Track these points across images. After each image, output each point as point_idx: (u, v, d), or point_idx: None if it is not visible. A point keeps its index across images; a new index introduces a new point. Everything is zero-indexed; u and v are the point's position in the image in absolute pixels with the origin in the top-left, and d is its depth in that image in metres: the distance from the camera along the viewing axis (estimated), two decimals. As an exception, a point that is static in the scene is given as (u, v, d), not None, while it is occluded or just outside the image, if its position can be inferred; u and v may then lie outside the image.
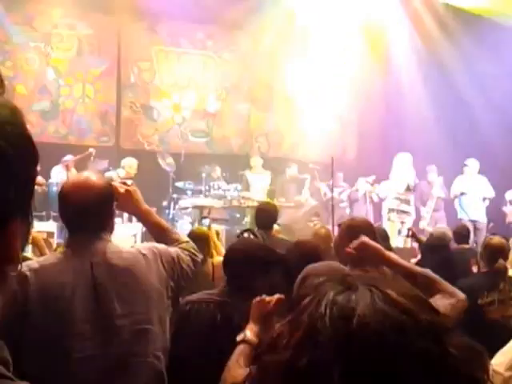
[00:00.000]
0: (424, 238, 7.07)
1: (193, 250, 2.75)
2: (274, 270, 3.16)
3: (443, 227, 8.10)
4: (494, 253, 4.87)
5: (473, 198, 11.00)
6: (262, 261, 3.08)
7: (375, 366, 0.79)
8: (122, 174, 9.78)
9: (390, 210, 10.89)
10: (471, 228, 9.83)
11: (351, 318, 0.82)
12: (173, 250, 2.68)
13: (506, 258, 4.98)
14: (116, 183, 2.79)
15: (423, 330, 0.83)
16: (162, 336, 2.52)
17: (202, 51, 12.85)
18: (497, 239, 5.10)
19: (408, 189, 10.92)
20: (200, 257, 2.79)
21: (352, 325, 0.81)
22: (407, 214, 10.86)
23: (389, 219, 10.77)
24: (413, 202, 11.20)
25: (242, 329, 2.85)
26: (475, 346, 0.86)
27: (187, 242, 2.80)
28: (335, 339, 0.81)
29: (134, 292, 2.46)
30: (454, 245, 6.87)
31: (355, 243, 2.72)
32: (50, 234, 8.24)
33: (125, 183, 2.78)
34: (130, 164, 9.94)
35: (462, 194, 11.00)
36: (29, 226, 0.83)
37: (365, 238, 2.74)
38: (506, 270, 4.77)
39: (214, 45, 12.98)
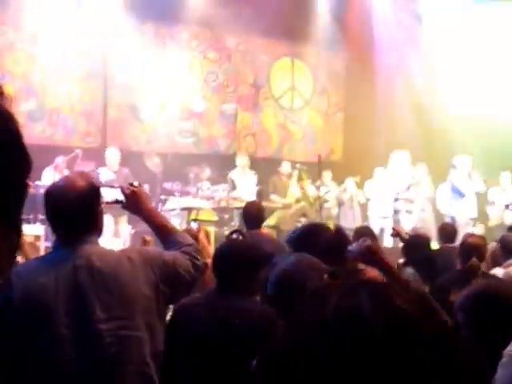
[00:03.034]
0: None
1: (194, 254, 2.69)
2: (262, 269, 3.17)
3: (421, 228, 8.12)
4: (468, 251, 4.93)
5: (467, 195, 11.05)
6: (250, 260, 3.09)
7: (379, 369, 0.81)
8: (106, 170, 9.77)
9: (397, 212, 10.85)
10: (463, 226, 9.88)
11: (356, 322, 0.83)
12: (168, 254, 2.64)
13: (481, 256, 5.04)
14: (124, 184, 2.84)
15: (428, 338, 0.84)
16: (151, 342, 2.47)
17: (188, 51, 12.81)
18: (473, 238, 5.19)
19: (408, 188, 10.93)
20: (202, 260, 2.75)
21: (357, 329, 0.83)
22: (410, 212, 10.85)
23: (398, 221, 10.66)
24: (415, 201, 11.16)
25: (235, 329, 2.87)
26: (478, 357, 0.89)
27: (190, 245, 2.74)
28: (340, 343, 0.82)
29: (118, 297, 2.42)
30: (440, 244, 6.92)
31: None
32: (37, 238, 8.19)
33: (132, 184, 2.81)
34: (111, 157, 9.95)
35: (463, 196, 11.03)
36: (19, 235, 0.80)
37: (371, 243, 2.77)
38: (478, 268, 4.82)
39: (199, 45, 12.95)
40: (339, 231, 3.37)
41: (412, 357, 0.83)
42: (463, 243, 5.11)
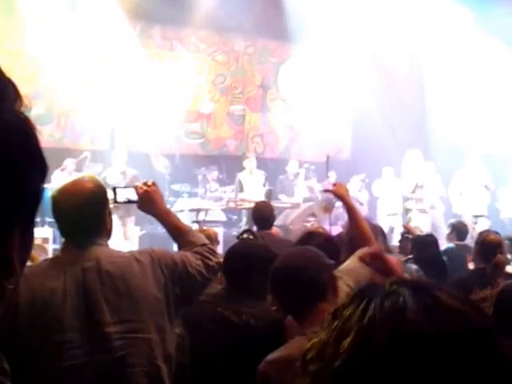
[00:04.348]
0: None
1: (207, 254, 2.64)
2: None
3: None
4: (491, 248, 4.83)
5: (474, 194, 11.00)
6: (260, 261, 3.06)
7: (429, 367, 0.79)
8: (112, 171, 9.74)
9: (409, 210, 10.77)
10: (472, 224, 9.84)
11: (403, 320, 0.81)
12: (178, 254, 2.61)
13: (502, 253, 4.97)
14: (138, 184, 2.79)
15: (475, 332, 0.82)
16: (162, 344, 2.44)
17: (196, 54, 12.85)
18: (493, 235, 5.09)
19: (417, 187, 10.84)
20: (215, 260, 2.67)
21: (404, 327, 0.81)
22: (424, 211, 10.76)
23: (408, 220, 10.58)
24: (426, 200, 11.08)
25: (240, 328, 2.86)
26: None
27: (203, 245, 2.69)
28: (387, 341, 0.81)
29: (126, 299, 2.39)
30: (451, 241, 6.87)
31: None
32: (45, 240, 8.20)
33: (146, 183, 2.76)
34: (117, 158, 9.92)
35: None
36: (32, 238, 0.82)
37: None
38: (504, 264, 4.75)
39: (207, 48, 12.99)
40: (329, 238, 3.42)
41: (465, 355, 0.80)
42: (484, 241, 4.98)
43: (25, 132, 0.79)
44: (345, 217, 10.84)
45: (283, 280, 2.44)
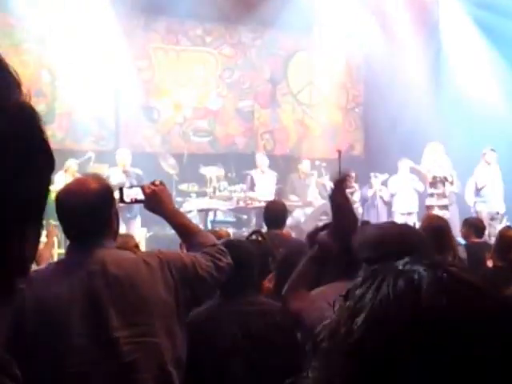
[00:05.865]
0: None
1: (217, 255, 2.59)
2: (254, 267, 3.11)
3: None
4: (509, 244, 4.69)
5: (492, 189, 10.82)
6: (242, 258, 2.95)
7: (446, 342, 0.78)
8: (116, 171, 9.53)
9: (429, 208, 10.53)
10: (487, 220, 9.66)
11: (417, 296, 0.81)
12: (187, 256, 2.57)
13: None
14: (146, 183, 2.77)
15: (494, 307, 0.81)
16: (172, 348, 2.39)
17: (202, 47, 12.62)
18: None
19: (441, 180, 10.58)
20: (226, 261, 2.61)
21: (419, 303, 0.80)
22: (446, 208, 10.53)
23: None
24: (448, 194, 10.84)
25: (239, 337, 2.81)
26: None
27: (213, 245, 2.64)
28: (402, 319, 0.80)
29: (134, 303, 2.36)
30: (467, 239, 6.65)
31: None
32: (51, 244, 8.03)
33: (153, 183, 2.72)
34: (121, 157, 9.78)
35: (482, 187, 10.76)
36: (39, 236, 0.81)
37: None
38: None
39: (213, 41, 12.75)
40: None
41: (481, 336, 0.78)
42: (503, 237, 4.84)
43: (30, 122, 0.78)
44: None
45: None
